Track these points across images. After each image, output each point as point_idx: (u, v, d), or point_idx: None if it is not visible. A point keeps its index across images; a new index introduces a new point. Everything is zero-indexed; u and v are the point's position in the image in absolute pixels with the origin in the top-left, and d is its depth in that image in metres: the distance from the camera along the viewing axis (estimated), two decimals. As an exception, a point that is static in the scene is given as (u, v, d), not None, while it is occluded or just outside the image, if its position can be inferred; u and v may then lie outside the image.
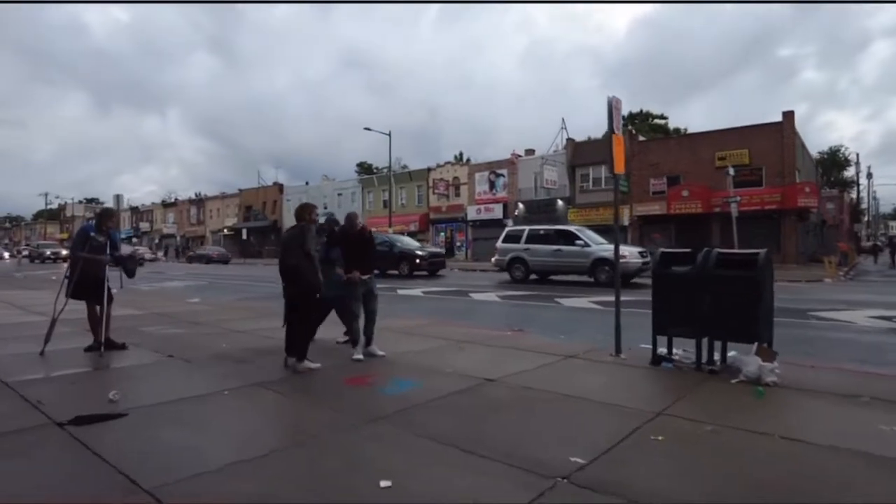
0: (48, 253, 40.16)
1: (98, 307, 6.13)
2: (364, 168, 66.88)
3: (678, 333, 5.42)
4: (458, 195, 38.34)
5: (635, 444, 3.31)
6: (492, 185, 36.65)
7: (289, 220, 43.29)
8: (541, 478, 2.80)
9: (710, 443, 3.36)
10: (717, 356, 5.29)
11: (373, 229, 6.69)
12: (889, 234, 52.80)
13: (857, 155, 69.63)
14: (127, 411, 3.87)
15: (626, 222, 28.17)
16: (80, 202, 78.94)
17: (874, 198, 63.70)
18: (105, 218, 6.44)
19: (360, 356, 5.80)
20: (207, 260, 40.78)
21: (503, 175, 36.16)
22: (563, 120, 41.23)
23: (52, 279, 18.38)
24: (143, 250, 43.63)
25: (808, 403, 4.29)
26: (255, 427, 3.81)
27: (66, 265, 6.77)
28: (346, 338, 6.57)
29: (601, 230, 19.51)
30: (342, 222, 6.53)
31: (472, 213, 37.11)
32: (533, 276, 17.74)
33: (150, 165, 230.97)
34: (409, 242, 23.33)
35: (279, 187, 53.23)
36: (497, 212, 35.53)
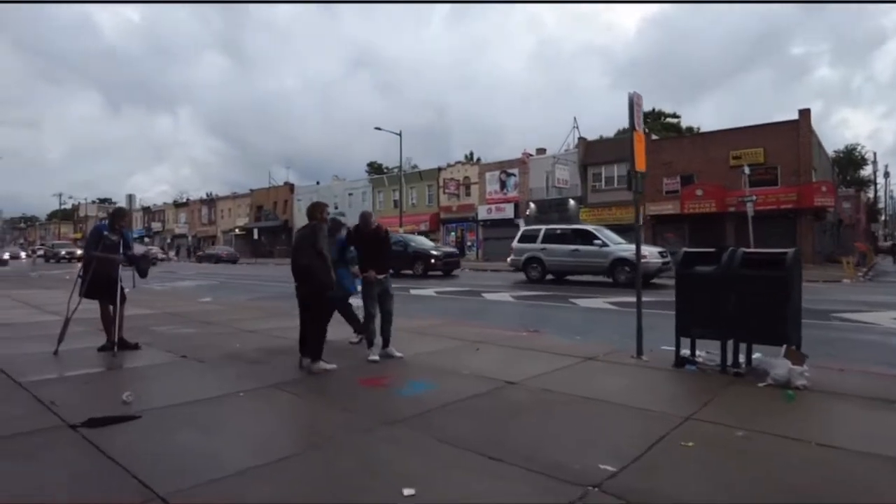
0: (63, 252, 40.49)
1: (111, 307, 6.12)
2: (374, 168, 66.90)
3: (702, 335, 5.28)
4: (468, 195, 38.20)
5: (665, 451, 3.19)
6: (503, 185, 36.46)
7: (299, 220, 43.47)
8: (571, 485, 2.69)
9: (742, 449, 3.22)
10: (741, 358, 5.15)
11: (388, 228, 6.59)
12: (907, 234, 51.94)
13: (875, 154, 68.38)
14: (141, 413, 3.81)
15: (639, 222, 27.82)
16: (93, 202, 79.86)
17: (891, 197, 62.62)
18: (118, 217, 6.46)
19: (376, 357, 5.71)
20: (217, 259, 41.28)
21: (514, 174, 35.95)
22: (574, 119, 41.13)
23: (65, 278, 18.52)
24: (156, 250, 44.06)
25: (839, 407, 4.16)
26: (272, 430, 3.74)
27: (80, 265, 6.77)
28: (359, 338, 6.49)
29: (614, 230, 19.29)
30: (346, 223, 6.47)
31: (482, 213, 36.94)
32: (549, 277, 17.58)
33: (161, 165, 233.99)
34: (424, 242, 23.21)
35: (290, 187, 53.38)
36: (508, 211, 35.36)
